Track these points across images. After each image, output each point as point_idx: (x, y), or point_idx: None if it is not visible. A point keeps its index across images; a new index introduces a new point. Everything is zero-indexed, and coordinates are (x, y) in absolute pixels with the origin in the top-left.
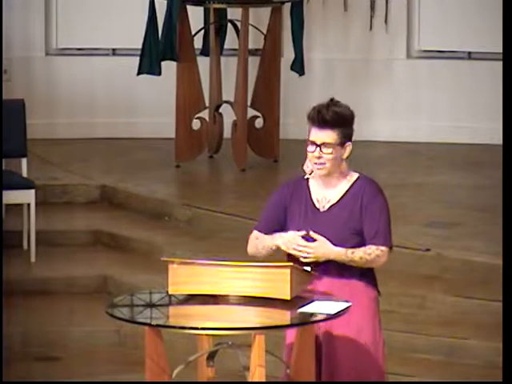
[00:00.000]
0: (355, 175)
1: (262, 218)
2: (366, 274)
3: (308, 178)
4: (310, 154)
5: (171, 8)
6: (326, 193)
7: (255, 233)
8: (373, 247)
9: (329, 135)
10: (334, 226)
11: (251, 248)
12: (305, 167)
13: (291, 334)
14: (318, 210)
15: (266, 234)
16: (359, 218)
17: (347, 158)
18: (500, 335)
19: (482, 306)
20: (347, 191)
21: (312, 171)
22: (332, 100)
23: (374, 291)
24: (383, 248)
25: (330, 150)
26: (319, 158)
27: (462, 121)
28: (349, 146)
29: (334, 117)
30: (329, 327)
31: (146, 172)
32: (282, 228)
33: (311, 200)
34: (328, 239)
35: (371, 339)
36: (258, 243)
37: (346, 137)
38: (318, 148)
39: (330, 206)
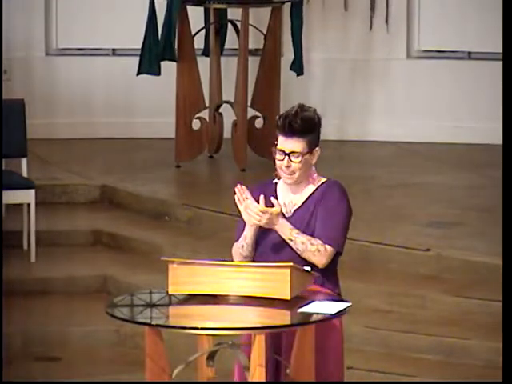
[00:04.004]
0: (323, 179)
1: (238, 229)
2: (328, 279)
3: (276, 183)
4: (278, 162)
5: (171, 8)
6: (292, 197)
7: (236, 244)
8: (319, 241)
9: (297, 144)
10: (297, 227)
11: (237, 258)
12: (277, 176)
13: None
14: (284, 215)
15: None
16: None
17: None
18: (500, 335)
19: (482, 305)
20: (311, 194)
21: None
22: (300, 106)
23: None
24: (328, 247)
25: (298, 159)
26: (288, 167)
27: (462, 121)
28: (317, 152)
29: (303, 125)
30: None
31: (146, 172)
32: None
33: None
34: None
35: (334, 337)
36: (240, 250)
37: (315, 143)
38: (287, 157)
39: (295, 210)
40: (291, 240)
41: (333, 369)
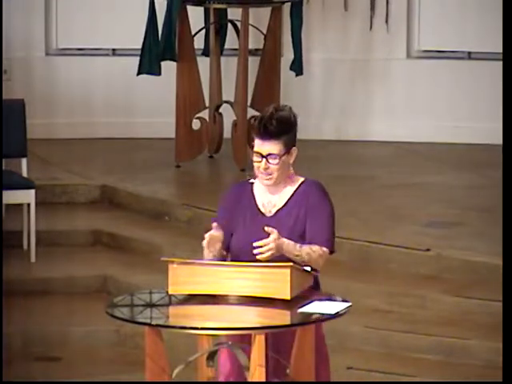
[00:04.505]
0: (301, 179)
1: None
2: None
3: (253, 182)
4: (256, 165)
5: (171, 8)
6: (271, 197)
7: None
8: (316, 246)
9: (274, 146)
10: (281, 230)
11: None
12: (254, 176)
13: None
14: (264, 214)
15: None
16: (304, 222)
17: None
18: (500, 335)
19: (482, 305)
20: (292, 195)
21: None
22: (275, 107)
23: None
24: (325, 249)
25: (276, 161)
26: (266, 169)
27: (462, 121)
28: (295, 151)
29: (278, 126)
30: None
31: (146, 172)
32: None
33: (256, 205)
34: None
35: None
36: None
37: (291, 143)
38: (265, 159)
39: (277, 211)
40: (298, 256)
41: (321, 371)
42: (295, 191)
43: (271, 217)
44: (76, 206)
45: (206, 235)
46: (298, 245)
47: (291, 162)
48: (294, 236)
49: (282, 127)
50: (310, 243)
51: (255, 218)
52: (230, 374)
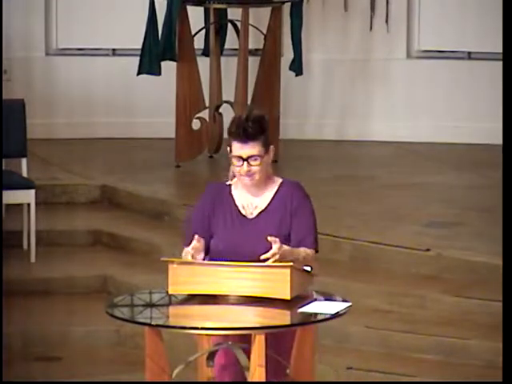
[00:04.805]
0: (279, 179)
1: (188, 234)
2: None
3: (230, 184)
4: (237, 169)
5: (171, 8)
6: (251, 199)
7: (186, 250)
8: (306, 248)
9: (255, 148)
10: (266, 232)
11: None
12: (230, 178)
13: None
14: (246, 217)
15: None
16: (289, 224)
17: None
18: (500, 335)
19: (482, 305)
20: (274, 197)
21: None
22: (247, 109)
23: None
24: (313, 250)
25: (258, 162)
26: (249, 171)
27: (462, 121)
28: (272, 150)
29: (256, 127)
30: None
31: (146, 172)
32: (212, 237)
33: (236, 207)
34: (260, 246)
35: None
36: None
37: (268, 142)
38: (246, 162)
39: (259, 213)
40: (297, 259)
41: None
42: (276, 193)
43: (253, 219)
44: (76, 206)
45: (189, 248)
46: (296, 249)
47: (270, 161)
48: (279, 238)
49: (259, 127)
50: (298, 246)
51: (236, 220)
52: (226, 366)
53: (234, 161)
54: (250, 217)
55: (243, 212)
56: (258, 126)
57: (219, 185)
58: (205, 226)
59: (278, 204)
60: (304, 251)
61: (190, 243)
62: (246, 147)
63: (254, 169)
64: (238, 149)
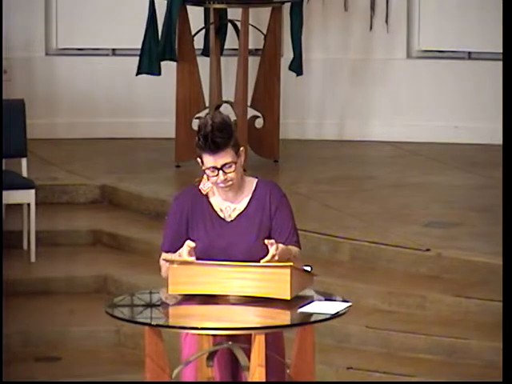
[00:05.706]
0: (254, 179)
1: (167, 237)
2: None
3: (203, 190)
4: (213, 179)
5: (171, 8)
6: (229, 203)
7: (164, 255)
8: (294, 247)
9: (226, 156)
10: (247, 234)
11: (165, 272)
12: (201, 186)
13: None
14: (224, 219)
15: (175, 252)
16: (269, 225)
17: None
18: (500, 335)
19: (481, 305)
20: (251, 198)
21: (209, 188)
22: (210, 118)
23: None
24: (298, 248)
25: (232, 168)
26: (225, 179)
27: (462, 121)
28: (243, 151)
29: (223, 135)
30: None
31: (146, 172)
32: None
33: (214, 211)
34: (241, 248)
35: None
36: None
37: (237, 144)
38: (221, 171)
39: (238, 215)
40: (294, 257)
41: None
42: (253, 194)
43: (232, 221)
44: (76, 206)
45: (182, 251)
46: (288, 247)
47: (243, 162)
48: (259, 239)
49: (226, 134)
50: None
51: (215, 223)
52: (225, 366)
53: (209, 172)
54: (229, 219)
55: (221, 215)
56: (225, 133)
57: (194, 190)
58: (183, 229)
59: (256, 205)
60: (293, 249)
61: (167, 246)
62: (218, 157)
63: (230, 175)
64: (211, 161)
